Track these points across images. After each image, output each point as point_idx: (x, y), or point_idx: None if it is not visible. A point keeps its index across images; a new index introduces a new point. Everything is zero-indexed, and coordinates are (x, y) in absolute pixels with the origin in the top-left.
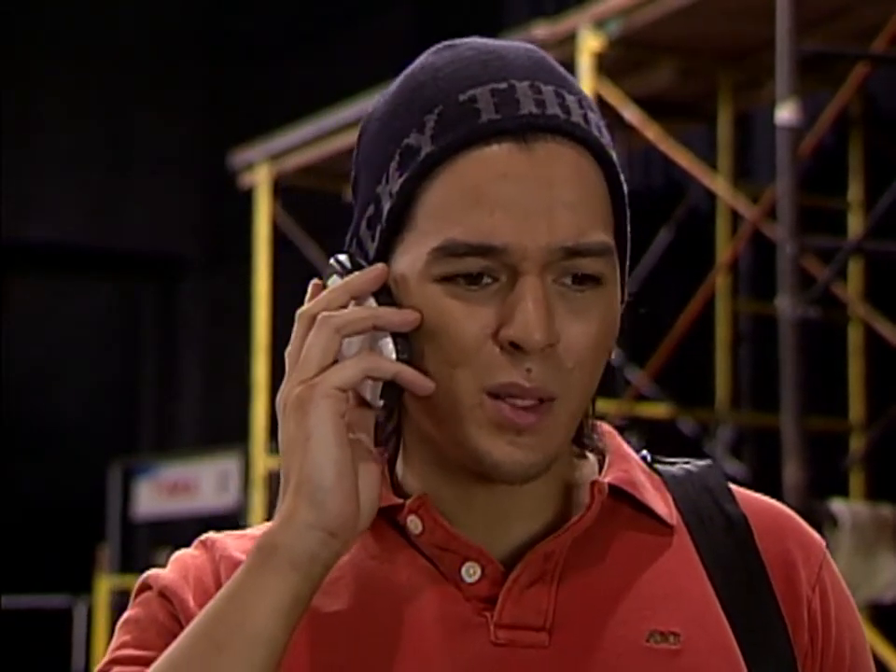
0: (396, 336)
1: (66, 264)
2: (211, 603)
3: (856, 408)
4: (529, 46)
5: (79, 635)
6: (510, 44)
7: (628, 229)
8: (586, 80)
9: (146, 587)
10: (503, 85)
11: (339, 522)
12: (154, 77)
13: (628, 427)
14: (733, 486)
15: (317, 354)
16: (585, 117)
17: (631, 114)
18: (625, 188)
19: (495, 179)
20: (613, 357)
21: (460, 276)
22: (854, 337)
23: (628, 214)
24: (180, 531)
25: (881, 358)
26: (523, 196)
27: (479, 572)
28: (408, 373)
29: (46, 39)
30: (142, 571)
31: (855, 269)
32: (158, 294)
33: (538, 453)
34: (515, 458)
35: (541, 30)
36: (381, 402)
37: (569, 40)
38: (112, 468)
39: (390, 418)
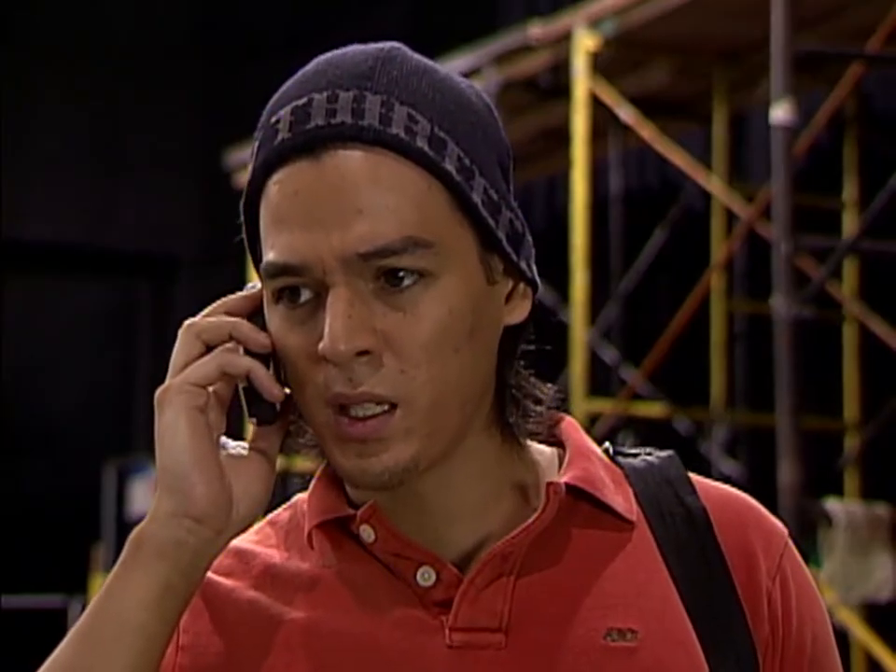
0: (257, 355)
1: (62, 263)
2: (91, 601)
3: (851, 407)
4: (387, 47)
5: None
6: (359, 50)
7: (484, 213)
8: (581, 80)
9: None
10: (303, 101)
11: (203, 508)
12: (150, 77)
13: (623, 426)
14: (693, 476)
15: (179, 356)
16: (385, 117)
17: (626, 113)
18: (466, 174)
19: (289, 197)
20: (612, 357)
21: (284, 296)
22: (849, 336)
23: (478, 198)
24: None
25: (876, 358)
26: (315, 210)
27: (433, 576)
28: (261, 372)
29: (42, 39)
30: None
31: (850, 268)
32: (153, 293)
33: (387, 460)
34: (363, 468)
35: (536, 29)
36: (253, 419)
37: (564, 40)
38: (107, 467)
39: None
